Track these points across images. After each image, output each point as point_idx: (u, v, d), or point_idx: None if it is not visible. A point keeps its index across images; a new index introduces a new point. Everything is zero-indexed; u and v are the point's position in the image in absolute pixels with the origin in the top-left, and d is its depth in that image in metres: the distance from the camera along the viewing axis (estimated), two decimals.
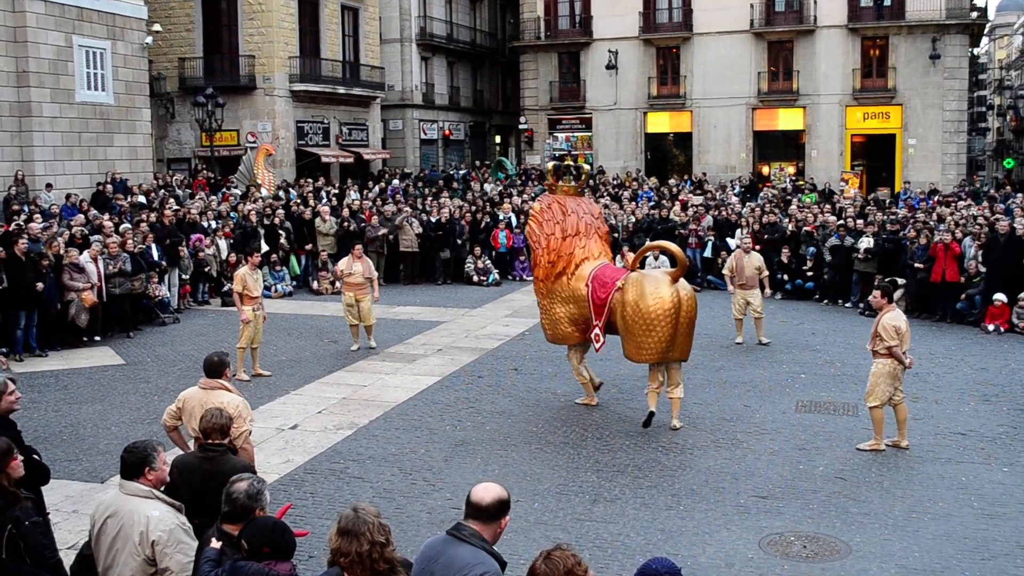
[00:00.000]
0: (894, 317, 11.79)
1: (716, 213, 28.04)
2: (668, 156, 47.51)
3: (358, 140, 42.97)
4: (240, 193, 30.03)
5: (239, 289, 15.84)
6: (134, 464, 5.87)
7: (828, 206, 29.03)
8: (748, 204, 30.56)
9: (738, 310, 18.77)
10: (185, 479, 6.62)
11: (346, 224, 26.64)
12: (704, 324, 18.81)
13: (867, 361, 16.94)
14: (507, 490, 5.05)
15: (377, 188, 36.02)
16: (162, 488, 5.99)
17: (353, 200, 30.27)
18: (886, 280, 13.13)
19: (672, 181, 40.11)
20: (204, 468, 6.65)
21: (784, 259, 24.51)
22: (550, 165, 13.82)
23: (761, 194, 35.59)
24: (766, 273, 19.02)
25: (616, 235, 27.33)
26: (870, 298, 12.50)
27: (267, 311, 16.78)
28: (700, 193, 35.55)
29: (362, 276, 17.81)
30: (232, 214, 26.52)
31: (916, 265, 21.48)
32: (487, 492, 4.92)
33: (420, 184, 39.04)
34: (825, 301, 23.81)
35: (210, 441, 6.77)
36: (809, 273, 24.34)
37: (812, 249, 24.34)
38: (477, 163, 47.55)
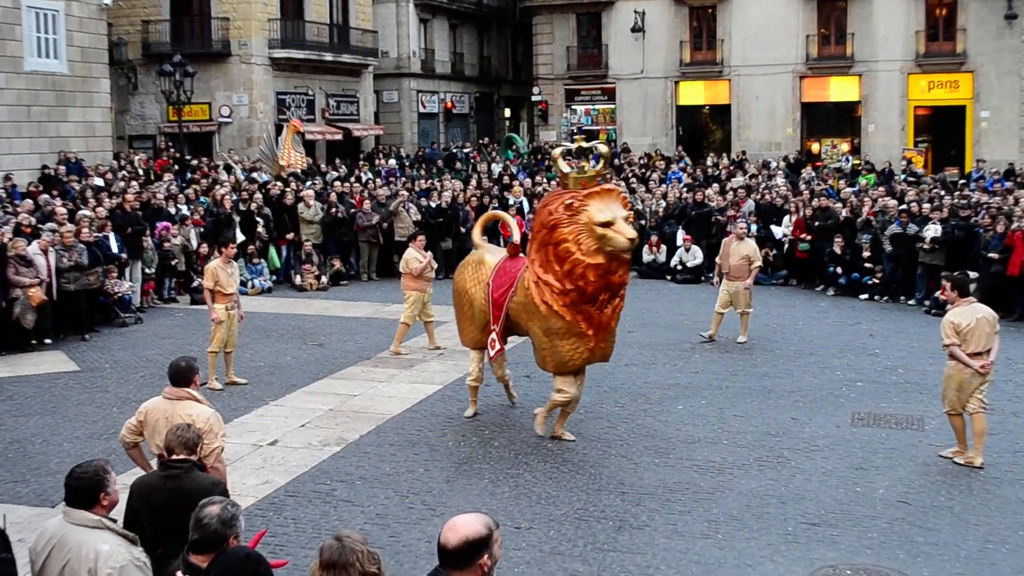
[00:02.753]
0: (958, 313, 11.87)
1: (759, 197, 27.95)
2: (703, 132, 47.42)
3: (347, 114, 43.00)
4: (267, 178, 30.05)
5: (210, 285, 15.82)
6: (85, 491, 5.70)
7: (886, 188, 28.92)
8: (801, 178, 30.35)
9: (721, 303, 18.82)
10: (145, 502, 6.56)
11: (334, 210, 26.63)
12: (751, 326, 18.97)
13: (934, 367, 16.89)
14: (488, 521, 4.64)
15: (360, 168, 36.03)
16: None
17: (334, 180, 30.26)
18: (956, 273, 13.04)
19: (708, 160, 40.03)
20: (167, 488, 6.58)
21: (837, 249, 24.42)
22: (556, 152, 12.98)
23: (805, 172, 35.37)
24: (757, 263, 19.00)
25: (644, 222, 27.28)
26: (939, 292, 12.49)
27: (243, 310, 16.74)
28: (741, 174, 35.50)
29: (430, 269, 18.50)
30: (203, 199, 26.54)
31: (990, 256, 21.41)
32: (453, 532, 4.53)
33: (419, 164, 39.04)
34: (885, 298, 23.74)
35: (173, 457, 6.71)
36: (866, 265, 24.24)
37: (867, 236, 24.23)
38: (484, 140, 47.56)
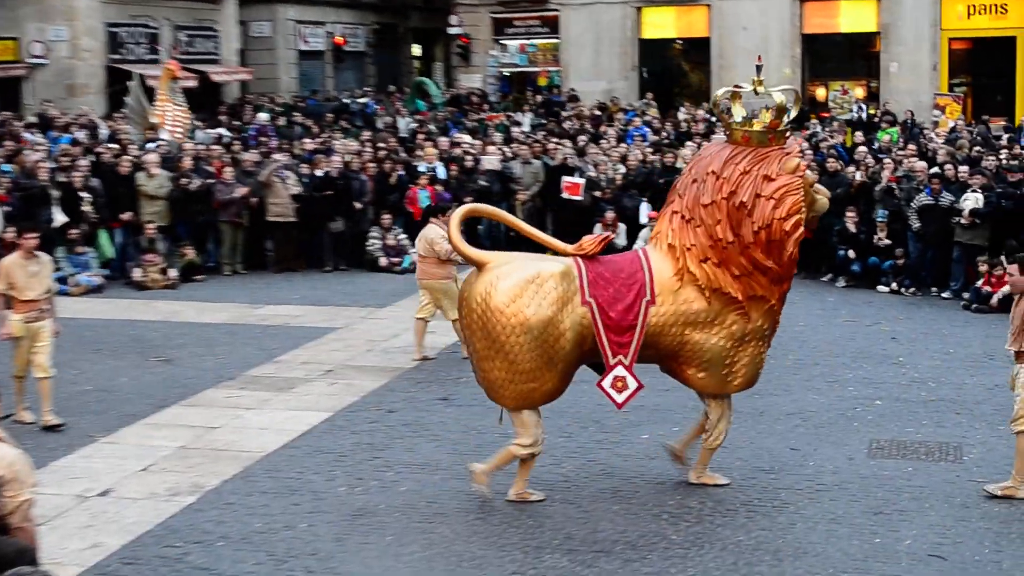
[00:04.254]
0: None
1: None
2: (674, 75, 47.65)
3: (203, 53, 42.69)
4: (139, 140, 29.60)
5: (2, 288, 15.47)
6: None
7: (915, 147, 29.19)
8: (803, 134, 30.57)
9: None
10: None
11: (185, 182, 26.42)
12: None
13: (975, 379, 17.06)
14: None
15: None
16: None
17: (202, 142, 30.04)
18: (1014, 248, 13.32)
19: (681, 112, 40.23)
20: None
21: (850, 226, 24.65)
22: (720, 93, 13.28)
23: (808, 126, 35.54)
24: None
25: (597, 193, 27.36)
26: (1005, 273, 12.78)
27: (61, 316, 16.47)
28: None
29: None
30: (7, 167, 26.17)
31: None
32: None
33: (299, 119, 38.81)
34: (912, 289, 24.00)
35: None
36: (885, 243, 24.45)
37: (884, 212, 24.39)
38: (389, 88, 47.33)
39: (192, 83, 40.60)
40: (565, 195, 26.92)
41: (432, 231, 18.49)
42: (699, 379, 12.65)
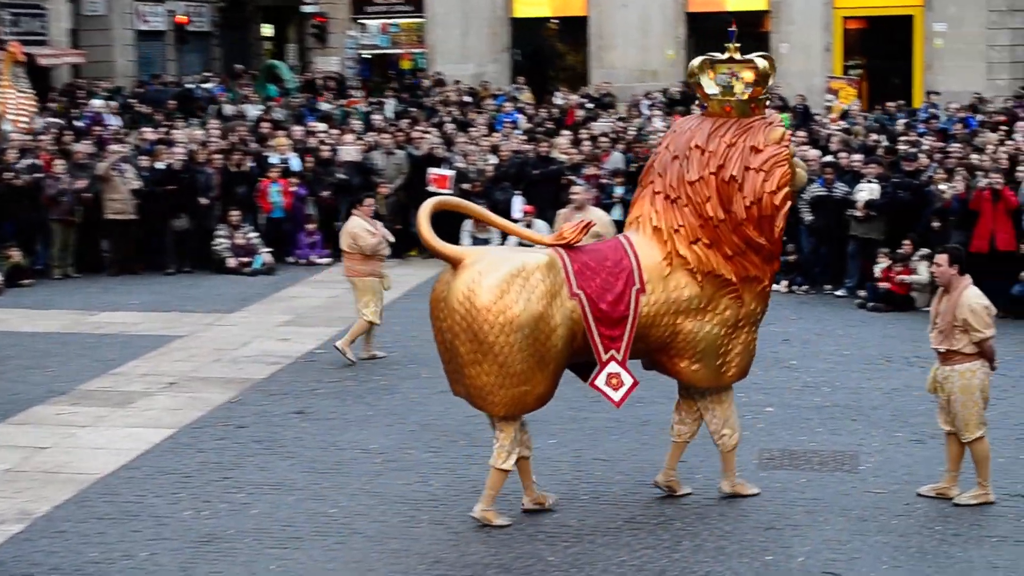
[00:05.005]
0: (980, 295, 12.51)
1: (628, 149, 28.29)
2: (549, 56, 47.77)
3: (29, 33, 42.04)
4: None
5: None
6: None
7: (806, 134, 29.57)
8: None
9: None
10: None
11: (8, 176, 26.04)
12: None
13: (872, 383, 17.35)
14: None
15: None
16: None
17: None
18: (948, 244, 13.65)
19: (557, 97, 40.37)
20: None
21: None
22: (697, 63, 13.06)
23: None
24: None
25: (466, 186, 27.39)
26: (932, 268, 13.12)
27: None
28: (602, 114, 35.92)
29: (384, 245, 18.96)
30: None
31: (945, 225, 22.05)
32: None
33: (138, 106, 38.43)
34: (804, 287, 24.36)
35: None
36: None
37: None
38: (238, 68, 46.93)
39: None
40: (432, 188, 26.80)
41: (355, 223, 18.48)
42: (692, 372, 12.66)
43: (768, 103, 13.16)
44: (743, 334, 12.75)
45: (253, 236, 27.36)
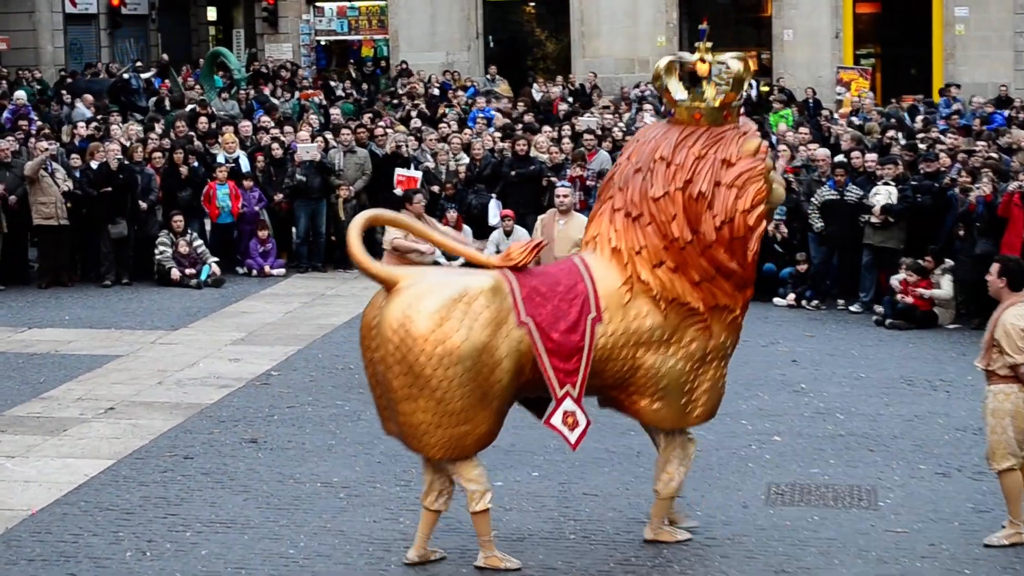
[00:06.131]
0: (1021, 316, 12.40)
1: (615, 147, 28.42)
2: (527, 45, 47.88)
3: None
4: None
5: None
6: None
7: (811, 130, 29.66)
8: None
9: None
10: None
11: None
12: None
13: (891, 410, 17.43)
14: None
15: None
16: None
17: None
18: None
19: (536, 90, 40.49)
20: None
21: None
22: (663, 65, 12.87)
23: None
24: None
25: (436, 188, 27.48)
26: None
27: None
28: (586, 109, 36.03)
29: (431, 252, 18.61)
30: None
31: (972, 232, 22.01)
32: None
33: (68, 98, 38.48)
34: (815, 301, 24.29)
35: None
36: (778, 248, 24.81)
37: (781, 209, 24.60)
38: (174, 58, 46.95)
39: None
40: (398, 191, 26.79)
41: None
42: (653, 412, 12.56)
43: (742, 111, 12.98)
44: (711, 369, 12.64)
45: (199, 244, 27.40)
